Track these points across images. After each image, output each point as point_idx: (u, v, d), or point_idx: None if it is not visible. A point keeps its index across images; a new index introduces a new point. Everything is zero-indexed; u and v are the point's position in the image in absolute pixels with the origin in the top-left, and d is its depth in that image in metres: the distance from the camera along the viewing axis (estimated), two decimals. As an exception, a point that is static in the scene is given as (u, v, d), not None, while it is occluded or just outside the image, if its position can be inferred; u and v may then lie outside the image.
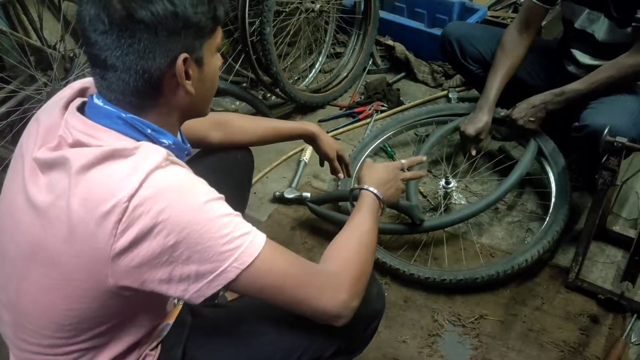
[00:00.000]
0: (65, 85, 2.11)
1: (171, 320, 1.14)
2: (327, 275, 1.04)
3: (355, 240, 1.16)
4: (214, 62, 1.04)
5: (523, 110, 2.03)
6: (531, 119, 2.03)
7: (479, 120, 2.09)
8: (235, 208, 0.99)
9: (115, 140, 0.95)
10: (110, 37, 0.91)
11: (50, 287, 0.96)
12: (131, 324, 1.04)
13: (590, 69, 2.02)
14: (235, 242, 0.93)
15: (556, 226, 1.90)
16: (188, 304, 1.17)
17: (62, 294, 0.95)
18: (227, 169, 1.50)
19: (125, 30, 0.90)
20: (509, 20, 3.04)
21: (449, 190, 2.10)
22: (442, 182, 2.11)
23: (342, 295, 1.02)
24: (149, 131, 0.98)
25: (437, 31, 2.59)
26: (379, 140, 2.36)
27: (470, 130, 2.09)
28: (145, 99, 0.97)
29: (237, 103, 2.68)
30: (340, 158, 1.67)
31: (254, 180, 1.94)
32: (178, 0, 0.92)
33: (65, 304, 0.96)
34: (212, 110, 2.57)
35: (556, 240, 1.90)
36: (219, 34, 1.02)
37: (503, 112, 2.14)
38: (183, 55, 0.95)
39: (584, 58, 2.05)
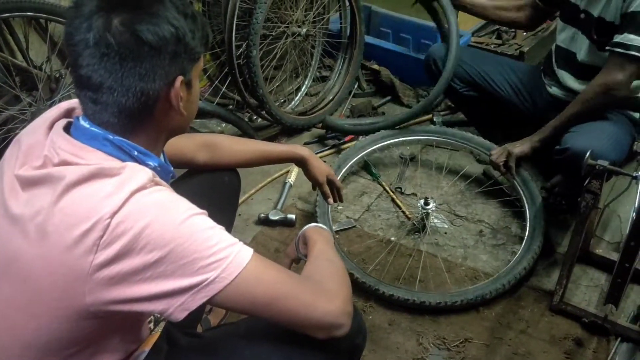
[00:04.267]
0: (50, 106, 2.11)
1: (147, 348, 1.11)
2: (315, 284, 1.04)
3: (324, 262, 1.15)
4: (197, 84, 1.06)
5: (514, 159, 2.08)
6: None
7: None
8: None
9: (101, 160, 0.94)
10: (111, 60, 0.91)
11: (21, 305, 0.94)
12: (104, 347, 1.01)
13: (572, 92, 2.05)
14: (221, 254, 0.93)
15: (530, 253, 1.95)
16: (166, 331, 1.16)
17: (33, 311, 0.94)
18: (214, 191, 1.49)
19: (129, 52, 0.91)
20: (492, 46, 3.09)
21: (429, 211, 2.10)
22: (421, 202, 2.11)
23: (335, 302, 1.01)
24: (136, 153, 0.98)
25: (422, 56, 2.63)
26: (363, 153, 2.38)
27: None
28: (136, 120, 0.98)
29: (223, 125, 2.68)
30: (331, 182, 1.66)
31: (239, 201, 1.94)
32: (179, 24, 0.95)
33: (35, 323, 0.94)
34: (198, 131, 2.60)
35: (531, 267, 1.95)
36: (203, 58, 1.04)
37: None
38: (180, 78, 0.97)
39: (568, 79, 2.08)
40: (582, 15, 1.96)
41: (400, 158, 2.51)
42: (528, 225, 2.07)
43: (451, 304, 1.82)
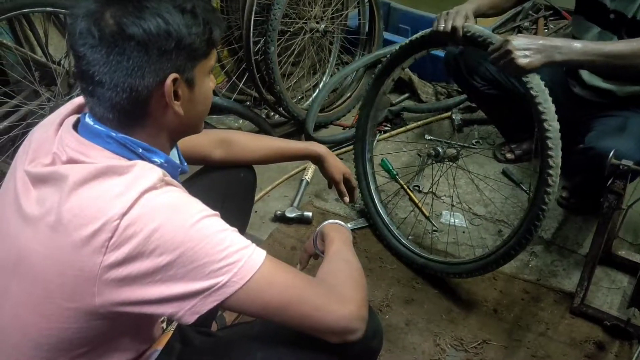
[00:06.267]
0: (68, 101, 2.13)
1: (160, 347, 1.10)
2: (329, 287, 1.02)
3: (340, 263, 1.13)
4: (207, 83, 1.02)
5: (523, 44, 1.60)
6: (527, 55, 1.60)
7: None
8: (237, 226, 0.97)
9: (107, 159, 0.93)
10: (99, 52, 0.89)
11: (30, 304, 0.94)
12: (115, 347, 1.00)
13: (597, 91, 2.00)
14: (233, 257, 0.91)
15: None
16: (179, 330, 1.15)
17: (42, 311, 0.93)
18: (230, 187, 1.48)
19: (115, 45, 0.89)
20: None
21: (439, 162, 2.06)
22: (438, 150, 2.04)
23: (349, 306, 0.99)
24: (140, 150, 0.96)
25: (440, 53, 2.60)
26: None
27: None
28: (132, 117, 0.95)
29: (240, 121, 2.68)
30: (347, 181, 1.64)
31: (255, 198, 1.94)
32: (172, 19, 0.91)
33: (45, 322, 0.93)
34: (215, 127, 2.61)
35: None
36: (213, 56, 1.00)
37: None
38: (173, 76, 0.93)
39: (595, 80, 2.02)
40: (612, 16, 1.90)
41: (419, 156, 2.48)
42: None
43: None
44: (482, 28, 1.73)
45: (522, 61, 1.59)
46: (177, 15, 0.92)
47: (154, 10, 0.90)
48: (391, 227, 2.07)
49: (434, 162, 2.09)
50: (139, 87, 0.92)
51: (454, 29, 1.74)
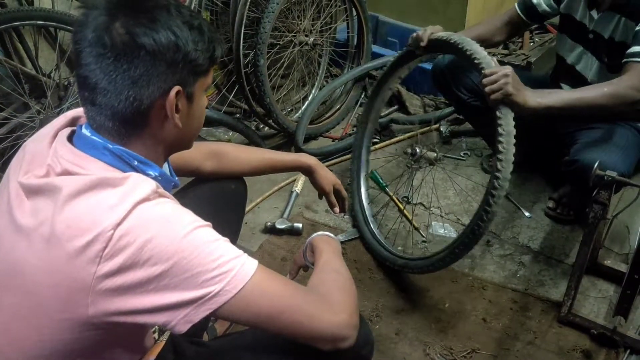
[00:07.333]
0: (58, 113, 2.13)
1: (153, 357, 1.10)
2: (320, 296, 1.03)
3: (330, 273, 1.14)
4: (203, 100, 1.04)
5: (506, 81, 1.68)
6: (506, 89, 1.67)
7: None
8: (228, 238, 0.98)
9: (102, 170, 0.94)
10: (106, 61, 0.91)
11: (23, 316, 0.94)
12: (108, 357, 1.01)
13: None
14: (225, 267, 0.92)
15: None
16: (171, 340, 1.15)
17: (35, 323, 0.93)
18: (221, 199, 1.49)
19: (124, 54, 0.91)
20: (499, 56, 3.09)
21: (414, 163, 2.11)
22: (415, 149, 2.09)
23: (341, 314, 1.00)
24: (136, 163, 0.98)
25: (428, 66, 2.63)
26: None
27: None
28: (131, 127, 0.96)
29: (230, 133, 2.69)
30: (337, 192, 1.66)
31: (245, 210, 1.94)
32: (181, 33, 0.94)
33: (38, 335, 0.93)
34: (205, 140, 2.62)
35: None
36: (211, 74, 1.03)
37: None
38: (176, 88, 0.95)
39: None
40: (591, 36, 1.94)
41: (408, 168, 2.50)
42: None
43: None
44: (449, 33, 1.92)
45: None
46: (186, 30, 0.95)
47: (164, 24, 0.93)
48: (379, 237, 2.09)
49: (412, 161, 2.13)
50: (142, 97, 0.93)
51: (418, 35, 1.97)
